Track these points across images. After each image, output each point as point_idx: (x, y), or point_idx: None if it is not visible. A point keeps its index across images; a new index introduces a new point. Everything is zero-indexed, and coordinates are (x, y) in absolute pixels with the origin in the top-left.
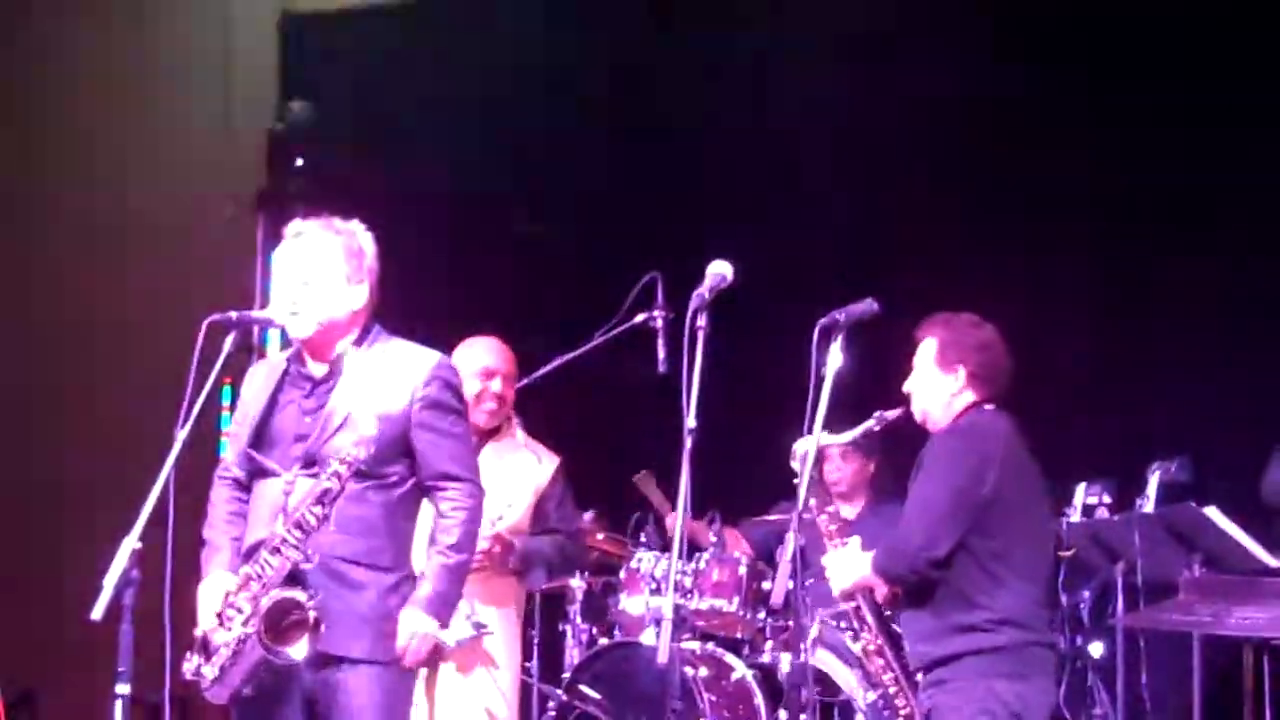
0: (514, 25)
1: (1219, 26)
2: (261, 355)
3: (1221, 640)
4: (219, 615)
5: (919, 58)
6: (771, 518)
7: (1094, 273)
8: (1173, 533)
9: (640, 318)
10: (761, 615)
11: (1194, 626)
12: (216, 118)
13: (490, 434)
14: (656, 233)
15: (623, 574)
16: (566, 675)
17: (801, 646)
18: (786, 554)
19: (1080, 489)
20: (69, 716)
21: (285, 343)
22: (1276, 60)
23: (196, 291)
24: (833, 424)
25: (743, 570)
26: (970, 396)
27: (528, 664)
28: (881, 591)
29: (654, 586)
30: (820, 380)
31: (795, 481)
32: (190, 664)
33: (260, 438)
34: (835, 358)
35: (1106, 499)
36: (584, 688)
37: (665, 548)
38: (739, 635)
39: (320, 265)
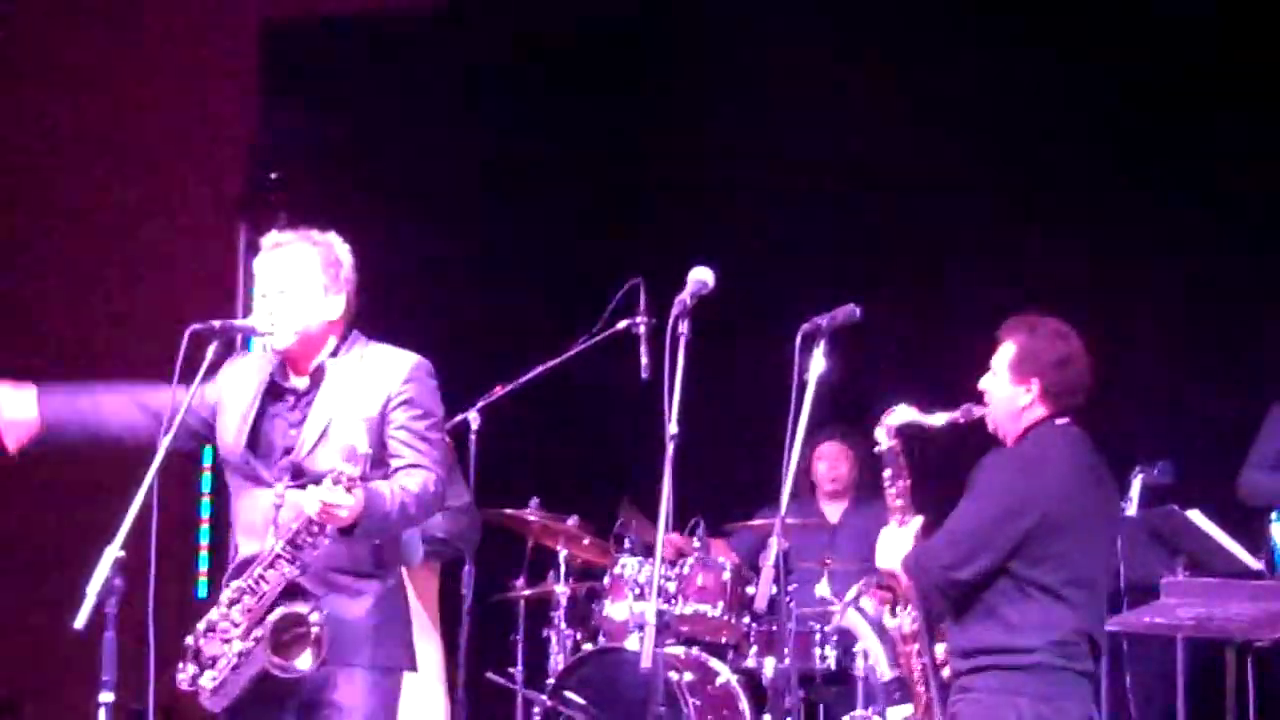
0: (494, 32)
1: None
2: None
3: (1204, 642)
4: (212, 626)
5: (904, 59)
6: (755, 523)
7: (1076, 277)
8: (1156, 536)
9: (623, 324)
10: (746, 620)
11: (1177, 629)
12: (198, 125)
13: None
14: (639, 238)
15: (607, 580)
16: (551, 681)
17: (785, 650)
18: (770, 559)
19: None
20: None
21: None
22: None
23: (179, 299)
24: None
25: (727, 575)
26: (1040, 411)
27: (512, 670)
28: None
29: (638, 592)
30: (803, 386)
31: (876, 450)
32: (185, 673)
33: (254, 444)
34: (818, 363)
35: None
36: (569, 693)
37: (649, 553)
38: (723, 640)
39: (297, 276)
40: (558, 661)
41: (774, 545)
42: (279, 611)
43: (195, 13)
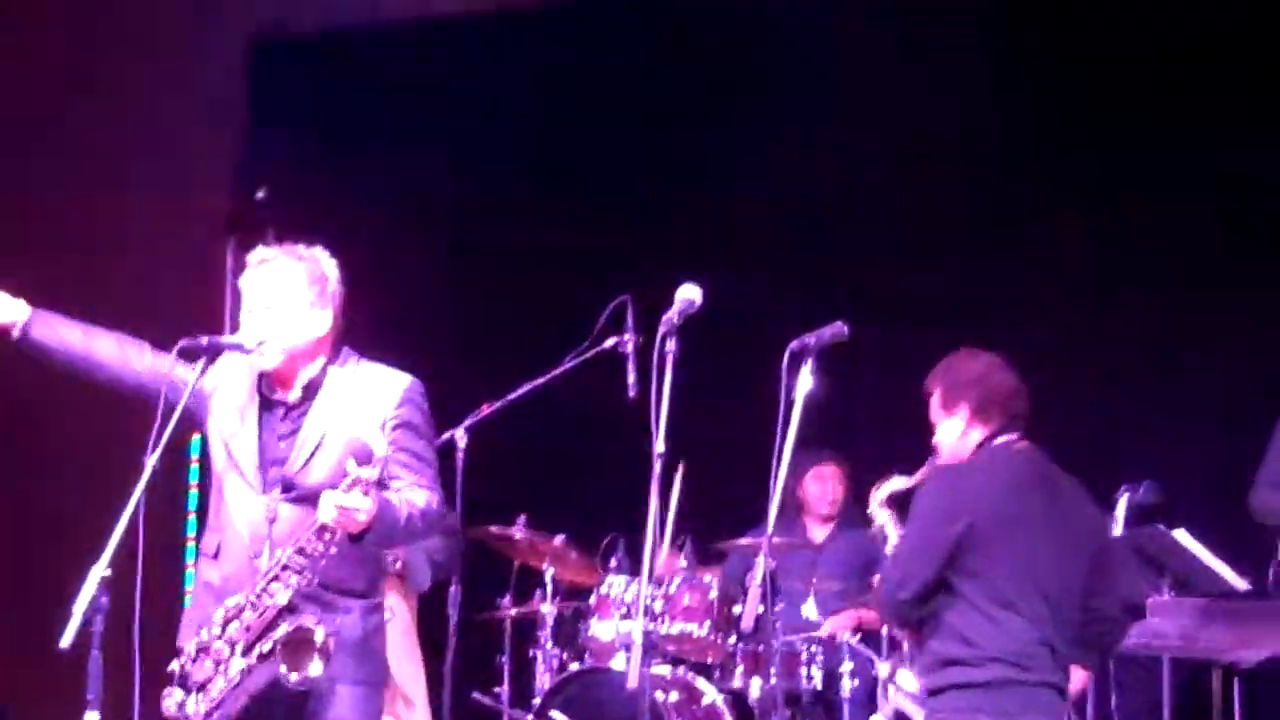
0: (482, 49)
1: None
2: None
3: (1191, 662)
4: (204, 650)
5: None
6: (742, 542)
7: (1060, 296)
8: (1142, 555)
9: (610, 342)
10: (732, 640)
11: (1163, 649)
12: (185, 143)
13: None
14: (626, 257)
15: (593, 599)
16: (537, 701)
17: (771, 670)
18: (756, 578)
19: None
20: None
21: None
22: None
23: (166, 316)
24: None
25: (713, 595)
26: (979, 433)
27: (498, 689)
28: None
29: (624, 611)
30: (790, 404)
31: (875, 527)
32: (172, 699)
33: (237, 458)
34: (805, 382)
35: None
36: (554, 713)
37: (636, 572)
38: (710, 660)
39: (284, 292)
40: (543, 681)
41: (760, 565)
42: (285, 627)
43: (182, 31)
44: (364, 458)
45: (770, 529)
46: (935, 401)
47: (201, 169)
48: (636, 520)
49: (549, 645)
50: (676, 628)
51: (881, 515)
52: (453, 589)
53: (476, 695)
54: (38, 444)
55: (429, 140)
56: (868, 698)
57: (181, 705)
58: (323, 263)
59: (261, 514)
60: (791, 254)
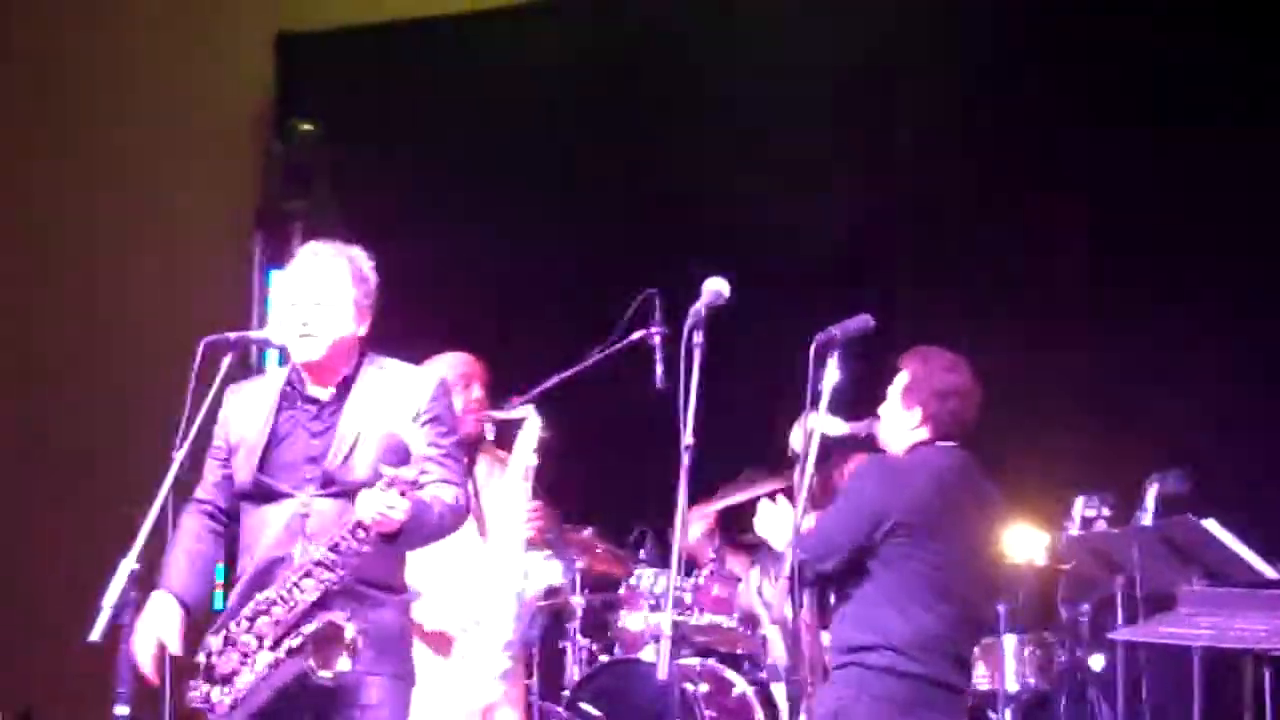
0: (511, 38)
1: None
2: (260, 373)
3: (1222, 653)
4: (230, 641)
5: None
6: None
7: (1092, 284)
8: (1172, 545)
9: (637, 335)
10: (761, 631)
11: (1194, 639)
12: (215, 136)
13: (477, 442)
14: (654, 250)
15: (622, 590)
16: (567, 692)
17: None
18: (785, 569)
19: (1079, 502)
20: None
21: (283, 361)
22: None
23: (194, 310)
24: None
25: (743, 586)
26: (924, 434)
27: (528, 681)
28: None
29: (653, 603)
30: (816, 397)
31: (790, 452)
32: (198, 692)
33: (265, 462)
34: (832, 374)
35: (1105, 511)
36: (584, 705)
37: (665, 564)
38: (739, 651)
39: (333, 287)
40: (573, 672)
41: (789, 556)
42: (315, 623)
43: (211, 25)
44: (401, 458)
45: (799, 520)
46: (899, 383)
47: (229, 165)
48: (665, 512)
49: (578, 637)
50: (706, 619)
51: (798, 445)
52: None
53: None
54: (67, 441)
55: (456, 132)
56: None
57: (207, 697)
58: (363, 262)
59: (294, 509)
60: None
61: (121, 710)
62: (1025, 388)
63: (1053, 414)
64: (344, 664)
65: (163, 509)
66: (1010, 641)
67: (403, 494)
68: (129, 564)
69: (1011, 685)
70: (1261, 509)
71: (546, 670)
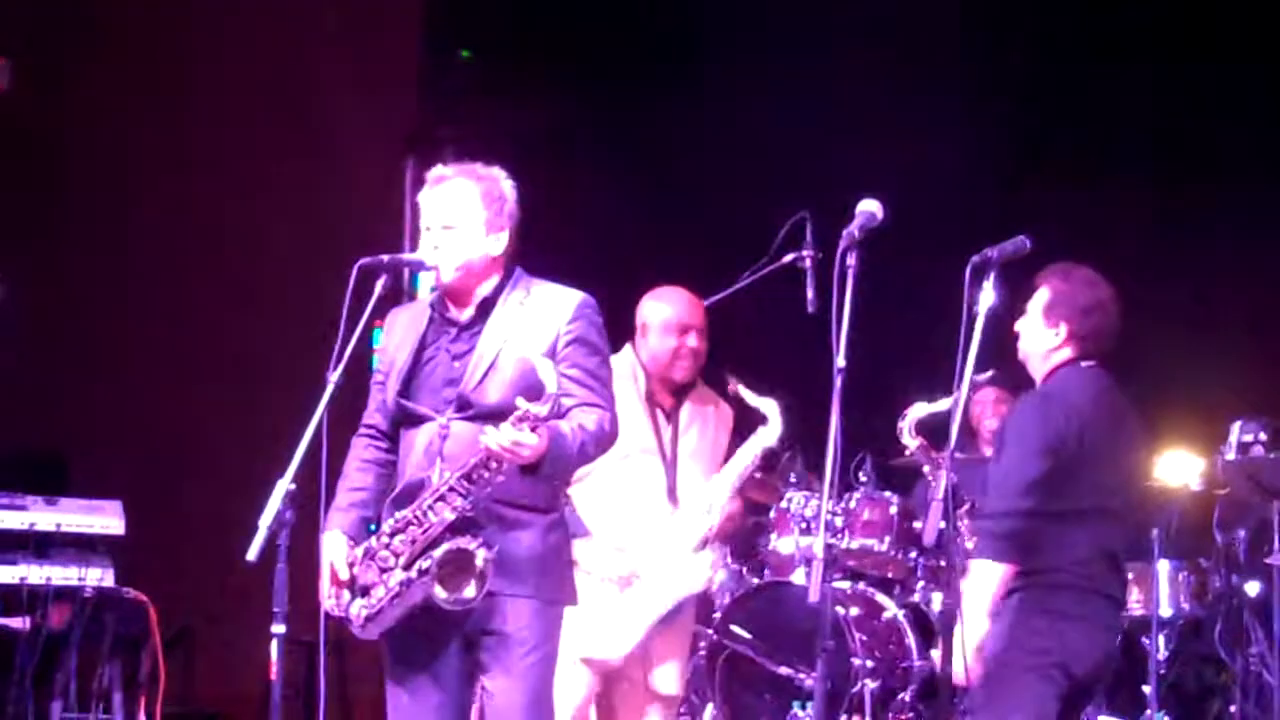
0: None
1: None
2: (412, 298)
3: None
4: (370, 553)
5: None
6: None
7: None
8: (1254, 482)
9: (789, 258)
10: (913, 555)
11: None
12: (365, 62)
13: (685, 389)
14: (804, 172)
15: (773, 514)
16: (718, 615)
17: (952, 585)
18: (939, 492)
19: (1236, 427)
20: (224, 655)
21: (436, 286)
22: None
23: (348, 234)
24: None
25: (893, 510)
26: (1067, 353)
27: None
28: None
29: (804, 526)
30: (973, 319)
31: (907, 453)
32: (338, 600)
33: (409, 384)
34: (988, 296)
35: (1263, 436)
36: (736, 628)
37: (816, 487)
38: (890, 575)
39: (461, 210)
40: (724, 597)
41: (943, 479)
42: (445, 546)
43: None
44: (535, 393)
45: (952, 443)
46: (1040, 303)
47: (381, 89)
48: (818, 435)
49: (729, 560)
50: (857, 543)
51: (913, 443)
52: None
53: None
54: (225, 367)
55: (606, 60)
56: None
57: (346, 606)
58: (500, 182)
59: (434, 431)
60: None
61: (278, 629)
62: (1187, 312)
63: (1213, 339)
64: (470, 591)
65: (317, 431)
66: (1164, 567)
67: (534, 429)
68: (285, 484)
69: (1165, 610)
70: None
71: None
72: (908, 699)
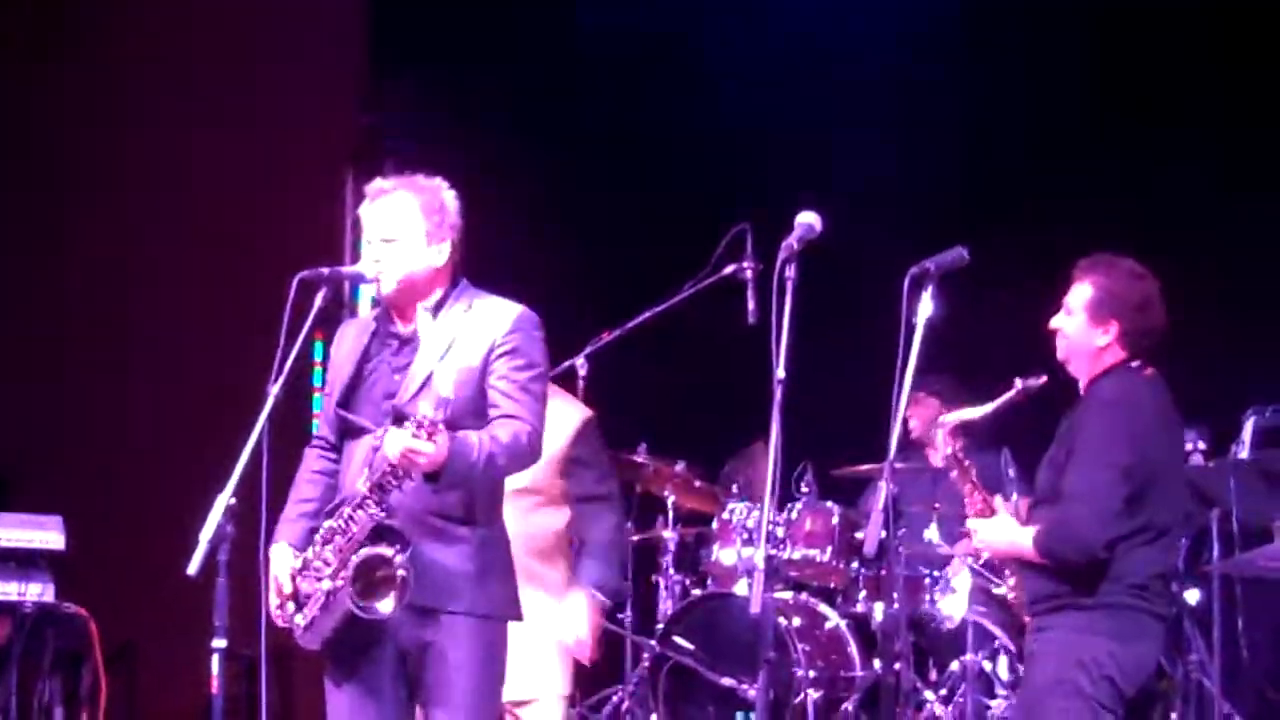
0: None
1: None
2: (353, 311)
3: None
4: (307, 564)
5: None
6: (862, 468)
7: (1188, 218)
8: (1269, 478)
9: (729, 269)
10: (855, 565)
11: None
12: (306, 75)
13: None
14: (745, 183)
15: (715, 525)
16: (660, 626)
17: (894, 595)
18: (879, 503)
19: None
20: (167, 669)
21: (377, 299)
22: None
23: (288, 246)
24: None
25: (835, 520)
26: (1119, 353)
27: (621, 615)
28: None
29: (746, 537)
30: (911, 330)
31: (941, 461)
32: (282, 610)
33: (352, 396)
34: (926, 307)
35: (1201, 445)
36: (677, 638)
37: (757, 498)
38: (832, 585)
39: (401, 222)
40: (666, 607)
41: (882, 489)
42: (363, 553)
43: None
44: (465, 404)
45: (891, 453)
46: (1085, 298)
47: (322, 101)
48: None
49: (671, 571)
50: (799, 553)
51: (948, 445)
52: None
53: None
54: (162, 380)
55: (549, 67)
56: None
57: (290, 617)
58: (441, 193)
59: (370, 444)
60: (912, 177)
61: (219, 643)
62: None
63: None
64: (387, 604)
65: (258, 444)
66: None
67: (431, 436)
68: (225, 498)
69: None
70: None
71: (640, 605)
72: (850, 709)
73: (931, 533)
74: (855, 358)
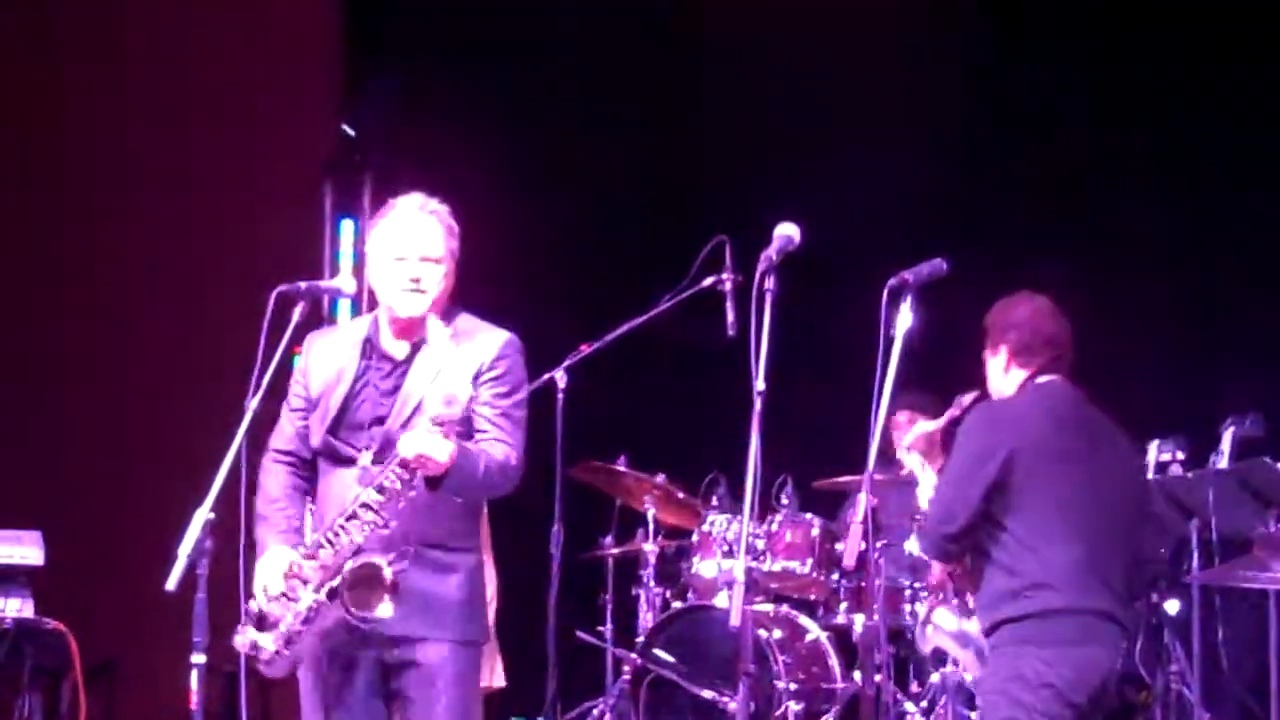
0: None
1: None
2: (331, 324)
3: None
4: (281, 593)
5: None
6: (841, 480)
7: (1165, 228)
8: (1247, 489)
9: (708, 281)
10: (835, 577)
11: (1269, 583)
12: (283, 87)
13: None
14: (724, 196)
15: (695, 537)
16: (640, 639)
17: (874, 607)
18: (858, 515)
19: (1153, 446)
20: (147, 685)
21: (355, 312)
22: None
23: (264, 256)
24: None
25: (815, 532)
26: (1020, 372)
27: (601, 628)
28: (936, 577)
29: (726, 549)
30: (890, 342)
31: (905, 472)
32: (244, 637)
33: (341, 420)
34: (905, 319)
35: (1180, 456)
36: (658, 651)
37: (737, 511)
38: (812, 597)
39: (443, 243)
40: (647, 619)
41: (862, 502)
42: (356, 560)
43: None
44: (449, 400)
45: (870, 465)
46: (984, 343)
47: (299, 111)
48: (737, 459)
49: (652, 584)
50: (779, 565)
51: (911, 460)
52: (555, 529)
53: (580, 634)
54: (139, 393)
55: (525, 81)
56: None
57: (254, 644)
58: (449, 215)
59: (355, 476)
60: (890, 190)
61: (198, 658)
62: (1099, 332)
63: (1127, 358)
64: (384, 609)
65: (236, 458)
66: None
67: (446, 436)
68: (204, 513)
69: None
70: None
71: (620, 618)
72: None
73: (911, 544)
74: (835, 369)
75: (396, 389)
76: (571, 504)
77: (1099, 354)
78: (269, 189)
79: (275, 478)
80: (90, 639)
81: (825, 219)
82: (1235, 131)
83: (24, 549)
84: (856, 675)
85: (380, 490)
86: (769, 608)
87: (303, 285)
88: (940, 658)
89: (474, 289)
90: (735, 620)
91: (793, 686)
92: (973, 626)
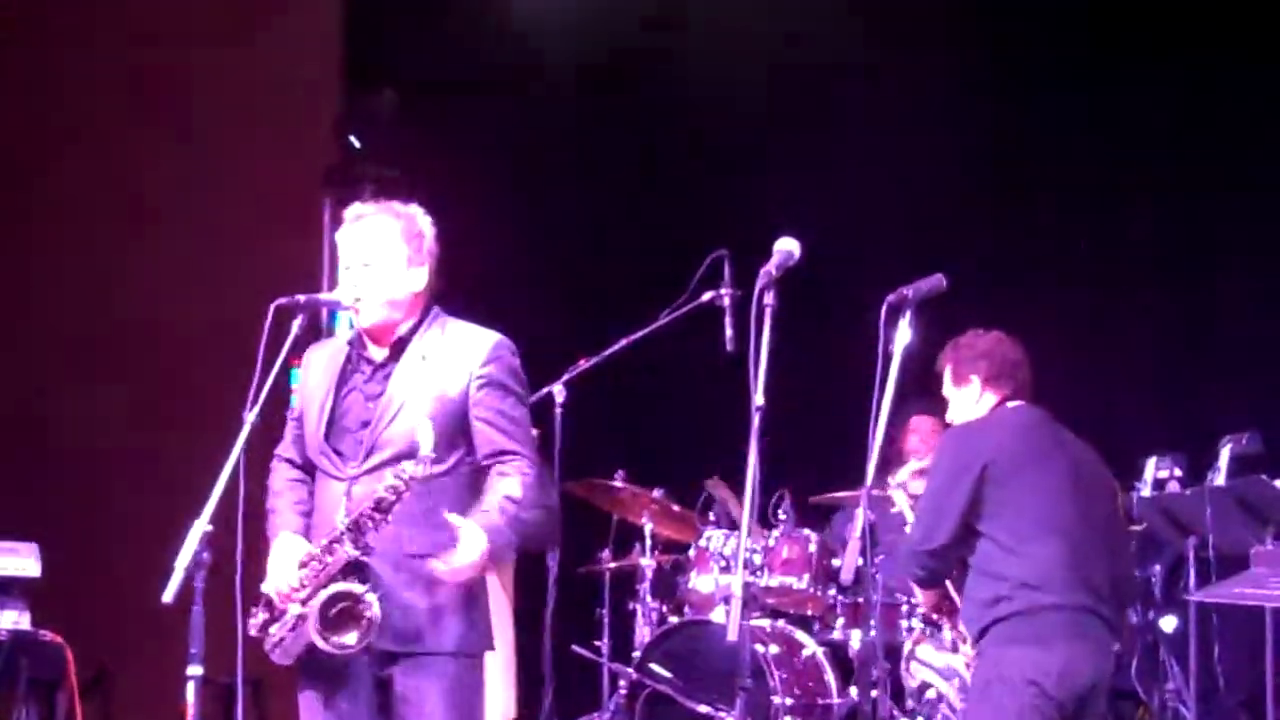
0: None
1: None
2: (330, 336)
3: None
4: (290, 585)
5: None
6: (839, 495)
7: (1163, 247)
8: (1244, 506)
9: (707, 296)
10: (832, 592)
11: (1266, 600)
12: (283, 98)
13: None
14: (724, 210)
15: (692, 552)
16: (637, 654)
17: (871, 622)
18: (856, 530)
19: (1151, 463)
20: (142, 697)
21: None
22: None
23: (264, 271)
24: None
25: (812, 547)
26: (991, 399)
27: (598, 642)
28: (928, 601)
29: (723, 564)
30: (889, 357)
31: (894, 510)
32: (257, 619)
33: (331, 426)
34: (904, 334)
35: (1177, 472)
36: (655, 666)
37: (734, 525)
38: (809, 612)
39: (381, 247)
40: (644, 634)
41: (860, 517)
42: (333, 588)
43: None
44: (416, 456)
45: (869, 481)
46: (947, 378)
47: (299, 125)
48: (735, 474)
49: (648, 598)
50: (776, 580)
51: (900, 499)
52: None
53: (577, 648)
54: (137, 405)
55: (526, 95)
56: None
57: (264, 626)
58: (419, 219)
59: (343, 489)
60: (891, 205)
61: (194, 670)
62: (1097, 350)
63: (1125, 375)
64: (350, 639)
65: (234, 471)
66: None
67: (407, 488)
68: (201, 525)
69: None
70: None
71: (616, 633)
72: None
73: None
74: (833, 385)
75: (381, 393)
76: (568, 518)
77: (1098, 371)
78: (268, 202)
79: (279, 474)
80: (86, 651)
81: (826, 234)
82: (1236, 149)
83: (20, 560)
84: (853, 691)
85: (355, 526)
86: (766, 623)
87: (301, 298)
88: (924, 691)
89: (473, 303)
90: (733, 635)
91: (789, 702)
92: (957, 661)
